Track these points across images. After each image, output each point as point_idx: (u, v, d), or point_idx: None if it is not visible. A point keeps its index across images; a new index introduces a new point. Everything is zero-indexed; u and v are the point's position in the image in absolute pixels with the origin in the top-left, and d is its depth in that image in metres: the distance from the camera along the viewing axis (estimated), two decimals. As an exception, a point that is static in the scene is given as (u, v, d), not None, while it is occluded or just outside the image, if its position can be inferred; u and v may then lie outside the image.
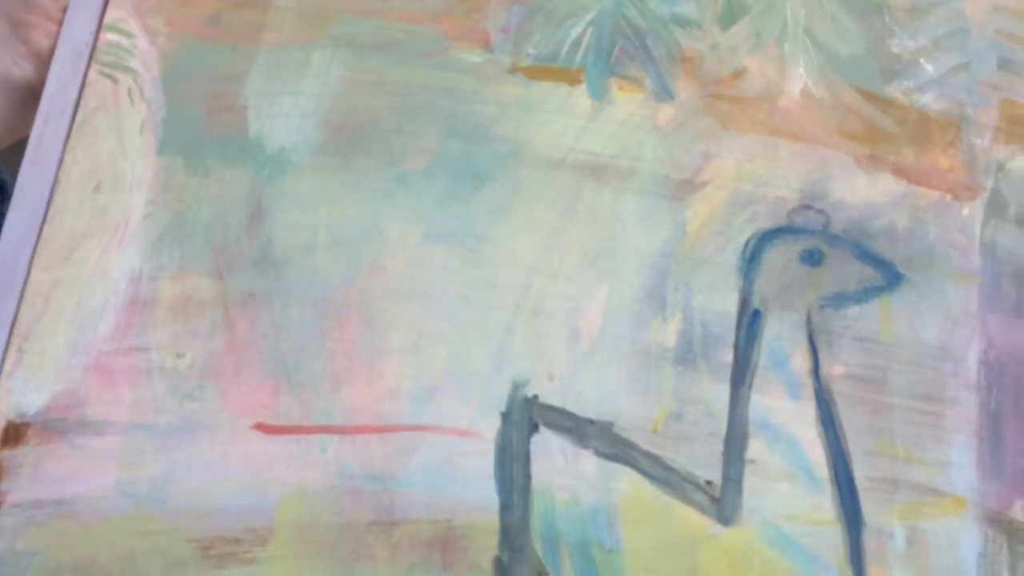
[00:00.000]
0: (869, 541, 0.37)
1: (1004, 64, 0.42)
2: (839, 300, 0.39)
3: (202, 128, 0.38)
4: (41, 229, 0.35)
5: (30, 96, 0.38)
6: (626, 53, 0.41)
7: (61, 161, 0.36)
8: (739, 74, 0.41)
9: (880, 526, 0.37)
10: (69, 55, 0.37)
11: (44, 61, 0.37)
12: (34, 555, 0.33)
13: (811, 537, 0.37)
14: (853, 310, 0.39)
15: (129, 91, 0.38)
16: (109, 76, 0.38)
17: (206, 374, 0.35)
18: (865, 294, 0.39)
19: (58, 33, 0.37)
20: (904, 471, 0.37)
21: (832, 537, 0.37)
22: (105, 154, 0.37)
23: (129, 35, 0.38)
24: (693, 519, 0.36)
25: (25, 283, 0.35)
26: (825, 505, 0.37)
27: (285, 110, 0.38)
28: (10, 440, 0.34)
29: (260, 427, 0.35)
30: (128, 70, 0.38)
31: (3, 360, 0.34)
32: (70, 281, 0.35)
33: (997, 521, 0.37)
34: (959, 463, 0.38)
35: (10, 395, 0.34)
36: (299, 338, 0.36)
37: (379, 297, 0.37)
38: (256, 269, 0.37)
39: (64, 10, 0.37)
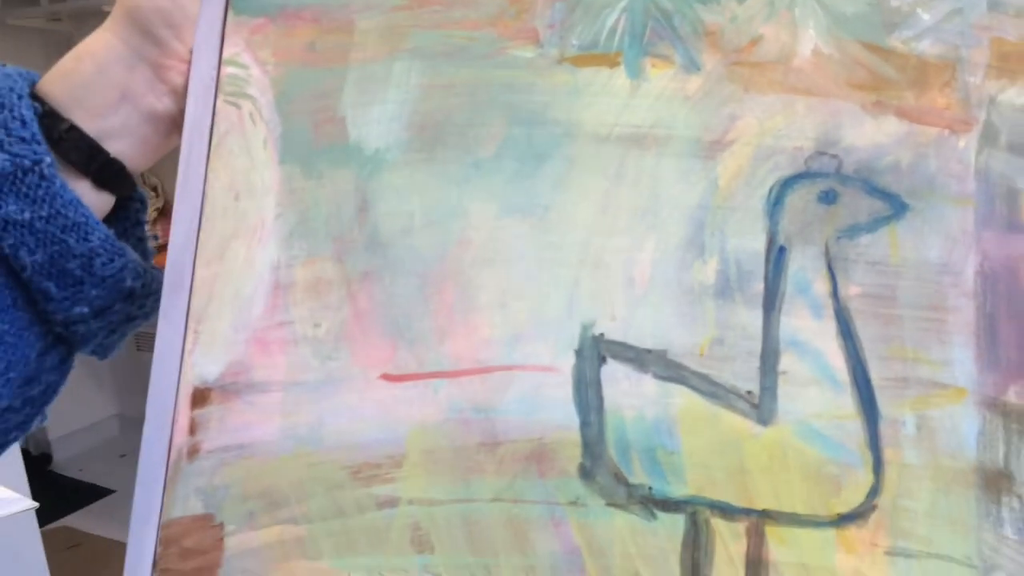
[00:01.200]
0: (884, 429, 0.45)
1: (993, 5, 0.48)
2: (852, 231, 0.47)
3: (312, 139, 0.46)
4: (198, 234, 0.45)
5: (171, 125, 0.47)
6: (656, 33, 0.48)
7: (205, 178, 0.45)
8: (756, 41, 0.48)
9: (894, 417, 0.45)
10: (200, 89, 0.46)
11: (180, 95, 0.46)
12: (228, 487, 0.44)
13: (836, 430, 0.45)
14: (865, 239, 0.46)
15: (251, 114, 0.46)
16: (233, 103, 0.46)
17: (339, 338, 0.45)
18: (875, 224, 0.47)
19: (188, 71, 0.46)
20: (913, 370, 0.45)
21: (853, 429, 0.45)
22: (239, 168, 0.46)
23: (245, 67, 0.47)
24: (738, 423, 0.45)
25: (192, 278, 0.45)
26: (847, 403, 0.45)
27: (376, 117, 0.46)
28: (198, 402, 0.44)
29: (385, 377, 0.45)
30: (247, 96, 0.46)
31: (184, 341, 0.44)
32: (226, 274, 0.45)
33: (994, 405, 0.45)
34: (960, 359, 0.46)
35: (193, 368, 0.44)
36: (408, 304, 0.45)
37: (468, 265, 0.46)
38: (368, 252, 0.46)
39: (191, 51, 0.46)
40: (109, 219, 0.48)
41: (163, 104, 0.46)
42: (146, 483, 0.43)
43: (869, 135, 0.47)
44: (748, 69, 0.47)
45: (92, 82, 0.44)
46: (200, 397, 0.44)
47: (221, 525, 0.44)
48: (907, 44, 0.48)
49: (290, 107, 0.46)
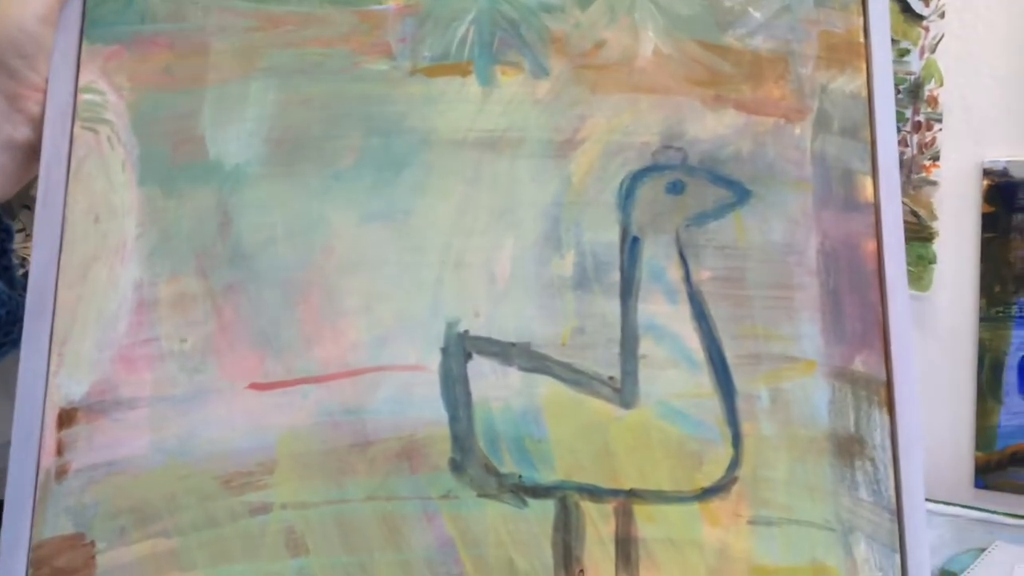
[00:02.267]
0: (741, 405, 0.47)
1: (820, 1, 0.52)
2: (700, 219, 0.49)
3: (171, 159, 0.48)
4: (60, 258, 0.46)
5: (30, 153, 0.48)
6: (504, 42, 0.50)
7: (65, 202, 0.46)
8: (600, 45, 0.51)
9: (749, 391, 0.47)
10: (56, 116, 0.47)
11: (38, 123, 0.47)
12: (98, 505, 0.44)
13: (695, 408, 0.47)
14: (713, 225, 0.49)
15: (108, 138, 0.47)
16: (91, 128, 0.47)
17: (206, 352, 0.46)
18: (721, 211, 0.49)
19: (44, 100, 0.47)
20: (765, 346, 0.48)
21: (712, 406, 0.47)
22: (99, 192, 0.47)
23: (101, 92, 0.48)
24: (602, 408, 0.47)
25: (55, 301, 0.45)
26: (704, 382, 0.47)
27: (235, 134, 0.48)
28: (65, 423, 0.45)
29: (254, 386, 0.46)
30: (104, 121, 0.48)
31: (48, 364, 0.45)
32: (89, 295, 0.46)
33: (842, 375, 0.48)
34: (808, 334, 0.48)
35: (59, 390, 0.45)
36: (273, 313, 0.46)
37: (333, 272, 0.47)
38: (231, 265, 0.47)
39: (46, 80, 0.47)
40: None
41: (20, 133, 0.47)
42: (14, 505, 0.43)
43: (711, 128, 0.50)
44: (594, 72, 0.50)
45: None
46: (66, 417, 0.45)
47: (92, 543, 0.44)
48: (741, 41, 0.51)
49: (148, 129, 0.48)
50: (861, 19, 0.52)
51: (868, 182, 0.50)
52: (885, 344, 0.48)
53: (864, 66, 0.51)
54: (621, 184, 0.49)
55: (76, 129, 0.47)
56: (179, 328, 0.46)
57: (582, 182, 0.49)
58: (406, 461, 0.46)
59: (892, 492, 0.47)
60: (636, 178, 0.49)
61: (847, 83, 0.51)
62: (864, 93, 0.51)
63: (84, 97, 0.48)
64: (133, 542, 0.44)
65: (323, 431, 0.46)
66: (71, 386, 0.45)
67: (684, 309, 0.48)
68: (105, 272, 0.46)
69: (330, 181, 0.48)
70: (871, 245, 0.49)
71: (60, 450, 0.45)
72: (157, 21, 0.49)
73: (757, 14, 0.51)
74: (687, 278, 0.49)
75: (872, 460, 0.47)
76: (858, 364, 0.48)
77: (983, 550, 0.79)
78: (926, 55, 0.93)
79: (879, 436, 0.47)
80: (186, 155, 0.48)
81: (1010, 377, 0.92)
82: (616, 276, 0.48)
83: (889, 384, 0.48)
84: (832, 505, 0.47)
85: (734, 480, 0.47)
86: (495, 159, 0.49)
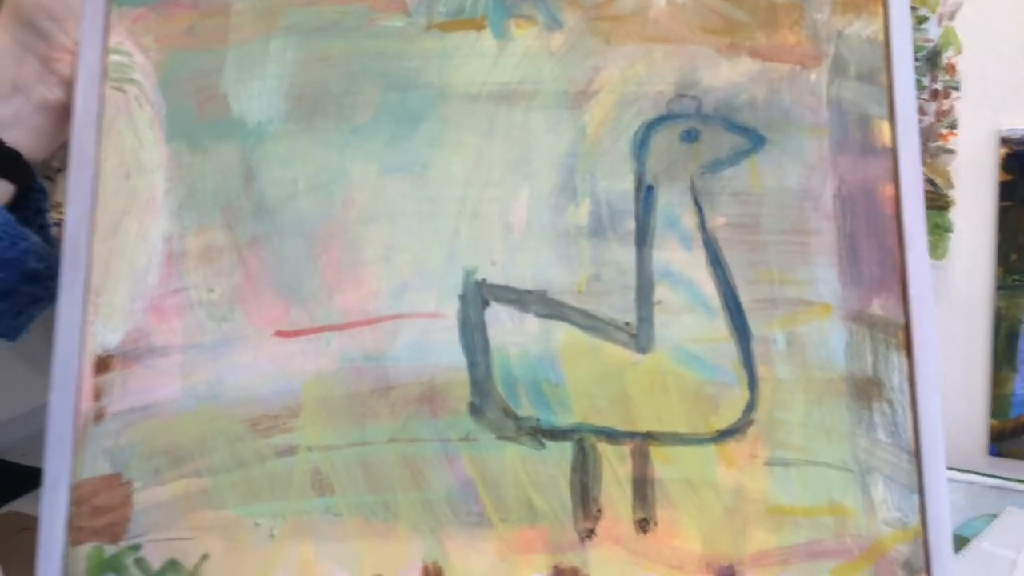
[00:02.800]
0: (757, 348, 0.48)
1: (836, -53, 0.52)
2: (715, 166, 0.50)
3: (196, 116, 0.49)
4: (93, 213, 0.48)
5: (63, 114, 0.50)
6: (519, -4, 0.51)
7: (97, 159, 0.48)
8: (614, -3, 0.51)
9: (764, 335, 0.48)
10: (87, 77, 0.49)
11: (70, 85, 0.49)
12: (134, 447, 0.46)
13: (711, 352, 0.48)
14: (728, 172, 0.50)
15: (136, 98, 0.49)
16: (119, 89, 0.49)
17: (233, 300, 0.48)
18: (736, 158, 0.50)
19: (75, 62, 0.49)
20: (780, 291, 0.48)
21: (727, 350, 0.48)
22: (128, 149, 0.49)
23: (128, 54, 0.50)
24: (618, 353, 0.48)
25: (89, 254, 0.47)
26: (720, 327, 0.48)
27: (256, 92, 0.50)
28: (101, 369, 0.47)
29: (279, 334, 0.48)
30: (132, 81, 0.49)
31: (84, 313, 0.47)
32: (121, 248, 0.48)
33: (859, 318, 0.48)
34: (824, 278, 0.49)
35: (95, 338, 0.47)
36: (296, 264, 0.48)
37: (352, 224, 0.49)
38: (255, 218, 0.48)
39: (77, 43, 0.49)
40: (10, 208, 0.51)
41: (54, 94, 0.49)
42: (56, 448, 0.46)
43: (725, 75, 0.50)
44: (608, 23, 0.51)
45: None
46: (103, 364, 0.47)
47: (129, 483, 0.46)
48: None
49: (173, 88, 0.49)
50: (878, -38, 0.51)
51: (885, 126, 0.50)
52: (903, 288, 0.48)
53: (881, 10, 0.51)
54: (635, 133, 0.50)
55: (106, 89, 0.49)
56: (207, 278, 0.48)
57: (596, 132, 0.50)
58: (426, 405, 0.47)
59: (911, 434, 0.47)
60: (650, 127, 0.50)
61: (863, 27, 0.51)
62: (881, 37, 0.51)
63: (112, 58, 0.50)
64: (167, 482, 0.46)
65: (346, 377, 0.47)
66: (106, 335, 0.47)
67: (699, 255, 0.49)
68: (136, 226, 0.48)
69: (348, 136, 0.49)
70: (889, 190, 0.49)
71: (97, 395, 0.47)
72: (181, -17, 0.50)
73: (772, -39, 0.51)
74: (702, 224, 0.49)
75: (890, 402, 0.48)
76: (876, 307, 0.48)
77: (996, 516, 0.79)
78: (944, 22, 0.91)
79: (897, 378, 0.48)
80: (210, 112, 0.49)
81: (1026, 346, 0.91)
82: (631, 224, 0.49)
83: (907, 327, 0.48)
84: (849, 446, 0.47)
85: (750, 422, 0.47)
86: (510, 111, 0.50)
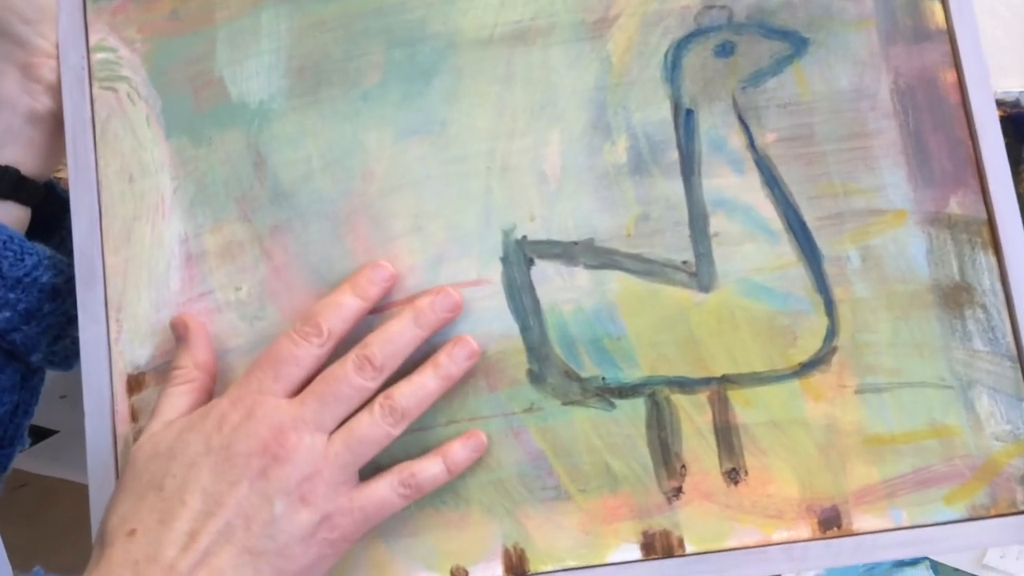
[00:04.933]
0: (829, 268, 0.44)
1: None
2: (757, 77, 0.46)
3: (194, 106, 0.46)
4: (101, 223, 0.45)
5: (55, 123, 0.47)
6: (519, -73, 0.47)
7: (96, 166, 0.45)
8: (621, -89, 0.47)
9: (836, 254, 0.44)
10: (73, 80, 0.46)
11: (56, 91, 0.46)
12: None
13: (780, 280, 0.44)
14: (771, 83, 0.46)
15: (128, 95, 0.46)
16: (109, 88, 0.46)
17: (263, 297, 0.45)
18: (778, 65, 0.46)
19: (58, 65, 0.46)
20: (846, 203, 0.44)
21: (797, 275, 0.44)
22: (128, 151, 0.46)
23: (112, 49, 0.46)
24: (679, 295, 0.44)
25: (104, 268, 0.45)
26: (786, 251, 0.44)
27: (254, 70, 0.46)
28: (134, 388, 0.44)
29: (316, 324, 0.44)
30: (122, 78, 0.46)
31: (108, 331, 0.44)
32: (136, 257, 0.45)
33: (937, 220, 0.44)
34: (892, 182, 0.45)
35: (123, 356, 0.44)
36: (323, 249, 0.45)
37: (376, 196, 0.45)
38: (273, 205, 0.45)
39: (56, 45, 0.46)
40: (38, 232, 0.48)
41: (42, 103, 0.46)
42: (98, 476, 0.43)
43: None
44: (619, -60, 0.47)
45: None
46: (135, 383, 0.44)
47: (181, 504, 0.43)
48: None
49: (165, 79, 0.46)
50: None
51: (937, 7, 0.46)
52: (981, 181, 0.44)
53: None
54: (665, 56, 0.46)
55: (95, 90, 0.46)
56: (232, 277, 0.45)
57: (622, 61, 0.46)
58: (483, 379, 0.44)
59: (1010, 338, 0.43)
60: (680, 46, 0.46)
61: (900, -96, 0.46)
62: (920, -89, 0.46)
63: (97, 56, 0.46)
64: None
65: (393, 360, 0.44)
66: (134, 351, 0.45)
67: (752, 177, 0.45)
68: (148, 231, 0.45)
69: (358, 103, 0.46)
70: (951, 76, 0.45)
71: (134, 416, 0.44)
72: (155, -35, 0.47)
73: None
74: (751, 144, 0.45)
75: (983, 307, 0.44)
76: (953, 206, 0.44)
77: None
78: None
79: (988, 280, 0.44)
80: (208, 100, 0.46)
81: None
82: (674, 154, 0.45)
83: (991, 223, 0.44)
84: (945, 361, 0.43)
85: (833, 350, 0.44)
86: (526, 52, 0.46)
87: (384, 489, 0.40)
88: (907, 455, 0.43)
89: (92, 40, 0.46)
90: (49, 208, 0.49)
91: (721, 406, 0.44)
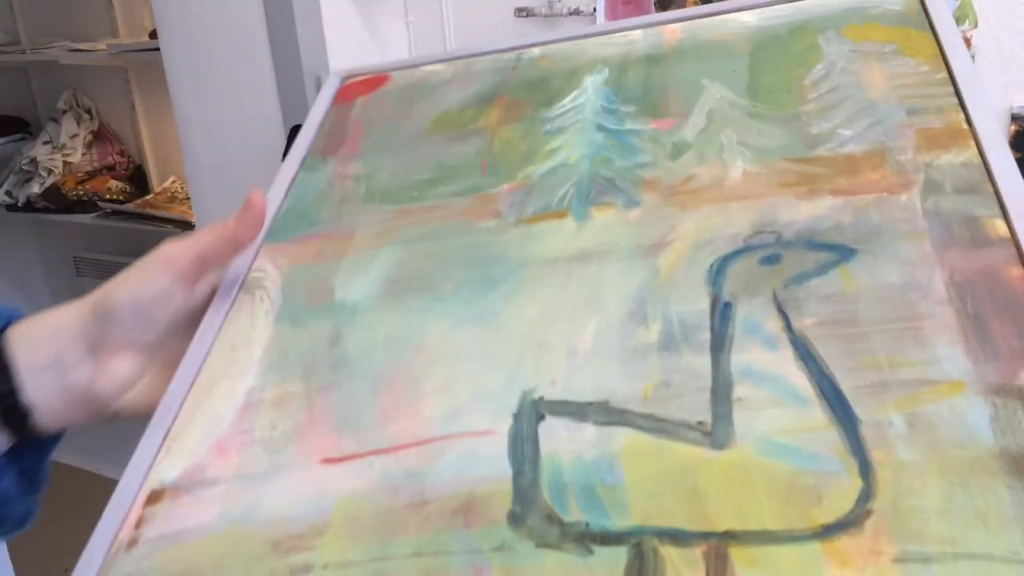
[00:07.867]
0: (867, 432, 0.38)
1: (912, 112, 0.52)
2: (800, 278, 0.46)
3: (304, 303, 0.55)
4: (196, 378, 0.52)
5: (81, 400, 0.51)
6: (600, 190, 0.55)
7: (214, 341, 0.54)
8: (690, 179, 0.54)
9: (876, 419, 0.39)
10: (227, 286, 0.57)
11: (106, 373, 0.52)
12: (151, 571, 0.43)
13: (808, 442, 0.39)
14: (815, 281, 0.45)
15: (260, 296, 0.56)
16: (249, 292, 0.57)
17: (291, 436, 0.47)
18: (824, 269, 0.46)
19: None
20: (891, 374, 0.40)
21: (829, 438, 0.39)
22: (241, 328, 0.54)
23: (264, 271, 0.58)
24: (689, 451, 0.40)
25: (179, 411, 0.50)
26: (816, 416, 0.40)
27: (360, 284, 0.55)
28: (151, 501, 0.46)
29: (326, 460, 0.45)
30: (262, 287, 0.57)
31: (156, 455, 0.48)
32: (208, 404, 0.50)
33: (1004, 391, 0.38)
34: (948, 356, 0.40)
35: (156, 474, 0.47)
36: (359, 403, 0.48)
37: (420, 366, 0.48)
38: (333, 369, 0.50)
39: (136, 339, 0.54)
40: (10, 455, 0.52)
41: (80, 378, 0.51)
42: (82, 572, 0.43)
43: (805, 211, 0.49)
44: (684, 196, 0.53)
45: (43, 335, 0.52)
46: (154, 496, 0.46)
47: (134, 605, 0.42)
48: (832, 151, 0.52)
49: (293, 287, 0.56)
50: (961, 114, 0.51)
51: (999, 223, 0.45)
52: (1063, 359, 0.38)
53: (972, 143, 0.49)
54: (711, 266, 0.48)
55: (240, 294, 0.57)
56: (273, 419, 0.48)
57: (670, 270, 0.49)
58: (461, 517, 0.41)
59: (1117, 516, 0.33)
60: (727, 259, 0.48)
61: (955, 158, 0.49)
62: (977, 161, 0.48)
63: (252, 275, 0.58)
64: (172, 600, 0.41)
65: (381, 494, 0.43)
66: (167, 471, 0.47)
67: (786, 353, 0.42)
68: (227, 386, 0.51)
69: (431, 302, 0.52)
70: (1016, 271, 0.42)
71: (139, 524, 0.45)
72: (320, 225, 0.60)
73: (847, 132, 0.53)
74: (788, 327, 0.44)
75: (1073, 479, 0.34)
76: (1023, 379, 0.38)
77: None
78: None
79: (1077, 450, 0.35)
80: (316, 300, 0.55)
81: None
82: (706, 335, 0.45)
83: (1077, 396, 0.37)
84: (1019, 533, 0.33)
85: (867, 513, 0.35)
86: (584, 267, 0.51)
87: None
88: (966, 638, 0.31)
89: (256, 265, 0.59)
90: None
91: (718, 563, 0.36)
